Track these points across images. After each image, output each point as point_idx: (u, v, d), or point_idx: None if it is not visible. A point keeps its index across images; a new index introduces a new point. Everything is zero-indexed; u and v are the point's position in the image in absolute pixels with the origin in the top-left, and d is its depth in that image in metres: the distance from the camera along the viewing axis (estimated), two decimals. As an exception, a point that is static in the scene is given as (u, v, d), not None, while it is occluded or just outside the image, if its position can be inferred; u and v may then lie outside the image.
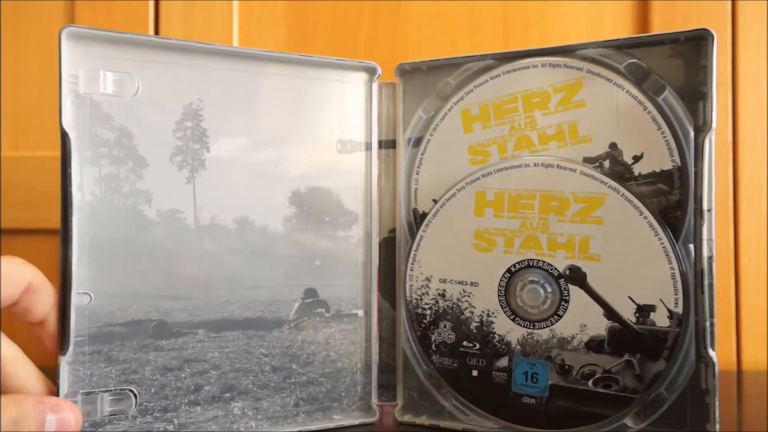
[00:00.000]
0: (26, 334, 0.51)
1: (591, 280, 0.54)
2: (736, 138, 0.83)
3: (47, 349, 0.51)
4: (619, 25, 0.85)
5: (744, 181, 0.83)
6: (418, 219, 0.61)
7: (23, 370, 0.48)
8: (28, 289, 0.49)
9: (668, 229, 0.52)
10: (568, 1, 0.85)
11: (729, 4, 0.83)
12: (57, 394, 0.50)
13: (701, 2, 0.83)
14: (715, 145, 0.81)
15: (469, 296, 0.58)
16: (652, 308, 0.52)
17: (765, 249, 0.83)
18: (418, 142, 0.61)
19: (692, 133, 0.52)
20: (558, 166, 0.55)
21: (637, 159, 0.53)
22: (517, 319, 0.57)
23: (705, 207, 0.51)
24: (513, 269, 0.57)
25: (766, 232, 0.83)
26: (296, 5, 0.86)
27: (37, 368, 0.49)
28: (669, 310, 0.52)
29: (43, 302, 0.50)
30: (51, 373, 0.50)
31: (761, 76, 0.83)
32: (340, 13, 0.86)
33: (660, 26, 0.81)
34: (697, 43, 0.52)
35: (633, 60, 0.54)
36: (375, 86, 0.62)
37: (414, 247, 0.61)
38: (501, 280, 0.57)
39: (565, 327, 0.55)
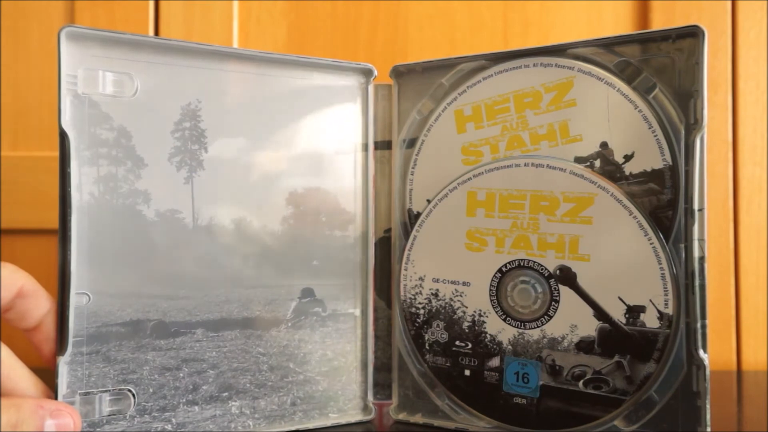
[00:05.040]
0: (20, 337, 0.51)
1: (581, 281, 0.54)
2: (736, 138, 0.83)
3: (43, 355, 0.51)
4: (620, 26, 0.84)
5: (744, 181, 0.83)
6: (412, 219, 0.61)
7: (17, 372, 0.48)
8: (20, 293, 0.49)
9: (658, 229, 0.52)
10: (568, 1, 0.85)
11: (729, 4, 0.83)
12: (55, 395, 0.50)
13: (701, 2, 0.82)
14: (715, 145, 0.81)
15: (461, 296, 0.59)
16: (641, 309, 0.52)
17: (765, 249, 0.82)
18: (412, 143, 0.61)
19: (683, 132, 0.52)
20: (548, 165, 0.55)
21: (627, 158, 0.53)
22: (508, 319, 0.57)
23: (696, 206, 0.50)
24: (504, 269, 0.57)
25: (766, 232, 0.82)
26: (296, 5, 0.86)
27: (31, 371, 0.50)
28: (659, 311, 0.51)
29: (37, 307, 0.50)
30: (44, 376, 0.51)
31: (761, 76, 0.82)
32: (340, 14, 0.87)
33: (660, 26, 0.80)
34: (688, 40, 0.51)
35: (624, 58, 0.54)
36: (371, 88, 0.62)
37: (408, 247, 0.61)
38: (492, 280, 0.57)
39: (555, 327, 0.55)
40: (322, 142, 0.61)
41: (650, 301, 0.52)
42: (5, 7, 0.84)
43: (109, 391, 0.53)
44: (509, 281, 0.57)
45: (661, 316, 0.51)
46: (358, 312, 0.62)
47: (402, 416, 0.62)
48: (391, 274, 0.63)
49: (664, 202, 0.52)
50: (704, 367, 0.50)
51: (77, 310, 0.51)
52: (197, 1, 0.84)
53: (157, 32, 0.84)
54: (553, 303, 0.55)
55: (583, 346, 0.54)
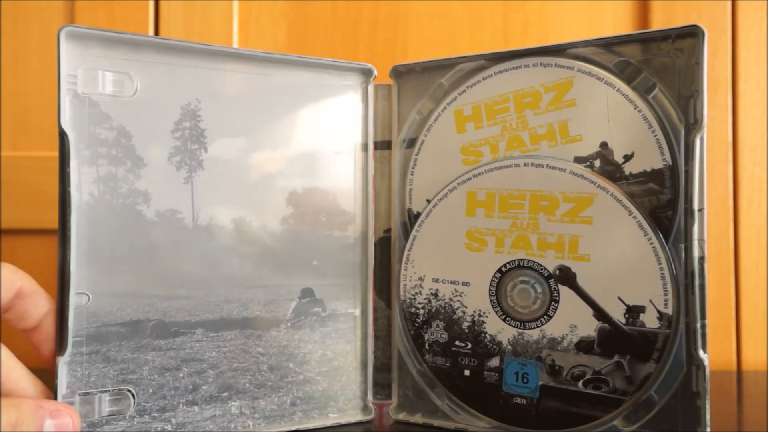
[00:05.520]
0: (20, 337, 0.51)
1: (581, 281, 0.54)
2: (736, 138, 0.83)
3: (42, 355, 0.51)
4: (620, 26, 0.84)
5: (744, 181, 0.83)
6: (412, 219, 0.61)
7: (17, 372, 0.49)
8: (18, 294, 0.49)
9: (658, 229, 0.51)
10: (568, 1, 0.85)
11: (729, 4, 0.83)
12: (55, 395, 0.50)
13: (701, 2, 0.82)
14: (715, 145, 0.81)
15: (461, 296, 0.59)
16: (641, 309, 0.52)
17: (765, 249, 0.82)
18: (412, 143, 0.61)
19: (683, 132, 0.51)
20: (547, 165, 0.55)
21: (627, 158, 0.53)
22: (507, 319, 0.57)
23: (696, 206, 0.50)
24: (504, 269, 0.57)
25: (766, 232, 0.82)
26: (296, 5, 0.86)
27: (30, 371, 0.50)
28: (658, 311, 0.51)
29: (37, 307, 0.50)
30: (44, 376, 0.51)
31: (761, 76, 0.82)
32: (340, 14, 0.87)
33: (660, 26, 0.80)
34: (688, 40, 0.51)
35: (623, 58, 0.53)
36: (371, 87, 0.62)
37: (407, 247, 0.61)
38: (492, 280, 0.57)
39: (555, 327, 0.55)
40: (322, 142, 0.61)
41: (650, 301, 0.52)
42: (5, 7, 0.84)
43: (109, 391, 0.53)
44: (509, 281, 0.57)
45: (661, 316, 0.51)
46: (357, 312, 0.62)
47: (402, 416, 0.62)
48: (390, 274, 0.63)
49: (664, 202, 0.52)
50: (704, 367, 0.50)
51: (77, 310, 0.51)
52: (197, 1, 0.84)
53: (157, 32, 0.84)
54: (552, 303, 0.55)
55: (583, 346, 0.54)
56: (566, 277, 0.54)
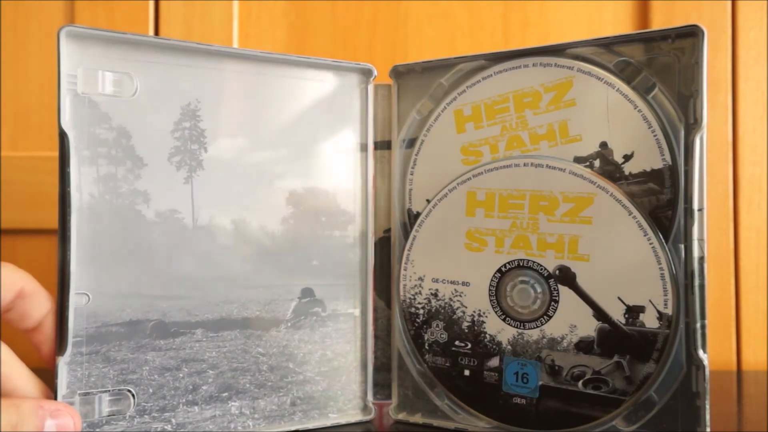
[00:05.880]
0: (20, 337, 0.51)
1: (580, 281, 0.54)
2: (736, 138, 0.83)
3: (43, 355, 0.51)
4: (619, 26, 0.84)
5: (744, 181, 0.83)
6: (412, 219, 0.61)
7: (17, 372, 0.48)
8: (20, 294, 0.49)
9: (658, 229, 0.51)
10: (568, 1, 0.85)
11: (729, 4, 0.83)
12: (55, 395, 0.50)
13: (701, 2, 0.82)
14: (715, 145, 0.81)
15: (460, 296, 0.58)
16: (641, 309, 0.52)
17: (765, 249, 0.82)
18: (412, 143, 0.61)
19: (683, 132, 0.51)
20: (547, 165, 0.55)
21: (627, 158, 0.53)
22: (507, 319, 0.57)
23: (695, 206, 0.50)
24: (504, 269, 0.57)
25: (766, 232, 0.82)
26: (296, 5, 0.86)
27: (31, 371, 0.49)
28: (658, 311, 0.51)
29: (38, 307, 0.50)
30: (44, 376, 0.51)
31: (761, 76, 0.82)
32: (340, 13, 0.86)
33: (660, 26, 0.80)
34: (688, 40, 0.51)
35: (623, 58, 0.53)
36: (371, 87, 0.62)
37: (407, 247, 0.61)
38: (492, 280, 0.57)
39: (555, 327, 0.55)
40: (322, 142, 0.61)
41: (650, 301, 0.52)
42: (5, 7, 0.84)
43: (109, 391, 0.53)
44: (509, 281, 0.57)
45: (661, 316, 0.51)
46: (357, 312, 0.62)
47: (402, 416, 0.62)
48: (390, 274, 0.63)
49: (664, 202, 0.52)
50: (704, 367, 0.50)
51: (77, 310, 0.51)
52: (197, 1, 0.84)
53: (157, 32, 0.84)
54: (552, 303, 0.55)
55: (583, 346, 0.54)
56: (566, 277, 0.54)
